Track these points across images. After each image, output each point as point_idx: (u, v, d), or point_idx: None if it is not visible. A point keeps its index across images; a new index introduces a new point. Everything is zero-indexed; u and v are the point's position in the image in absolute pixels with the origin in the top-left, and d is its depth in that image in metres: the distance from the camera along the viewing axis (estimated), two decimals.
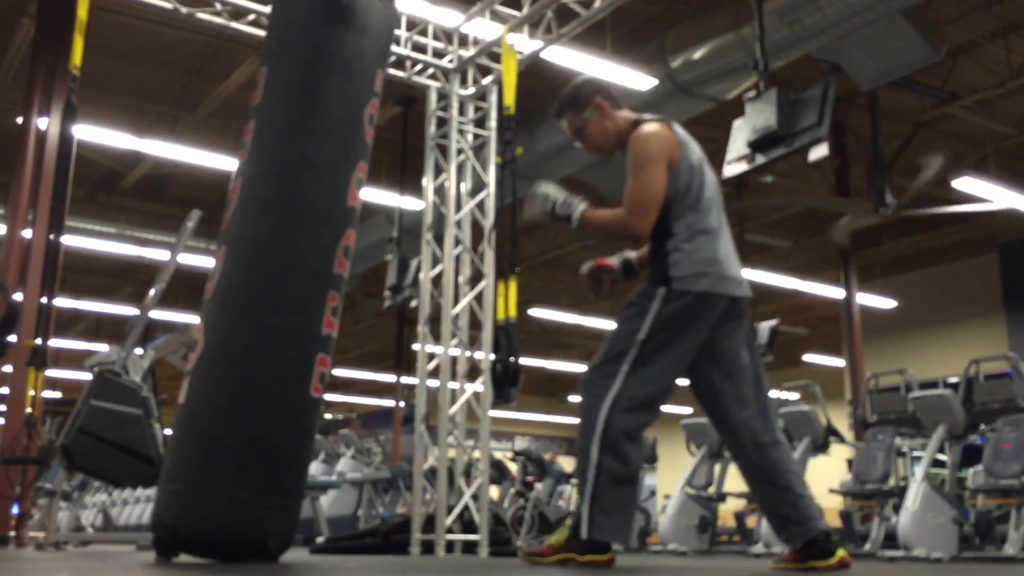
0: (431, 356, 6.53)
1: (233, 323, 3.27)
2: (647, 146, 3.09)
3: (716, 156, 9.81)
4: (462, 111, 6.90)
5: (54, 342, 12.09)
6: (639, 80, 8.35)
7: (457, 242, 6.57)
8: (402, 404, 16.68)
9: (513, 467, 11.40)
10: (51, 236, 5.44)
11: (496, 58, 6.66)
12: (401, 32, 6.75)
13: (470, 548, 5.98)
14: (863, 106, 10.58)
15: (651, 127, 3.15)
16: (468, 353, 6.43)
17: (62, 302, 12.82)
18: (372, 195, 10.77)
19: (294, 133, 3.42)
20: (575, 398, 23.53)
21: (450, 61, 6.91)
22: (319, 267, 3.37)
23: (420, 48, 6.85)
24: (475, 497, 6.12)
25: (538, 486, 10.97)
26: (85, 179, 12.55)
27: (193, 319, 4.17)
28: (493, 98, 6.76)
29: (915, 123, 11.70)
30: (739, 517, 8.70)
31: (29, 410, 5.58)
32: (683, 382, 3.20)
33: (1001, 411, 6.74)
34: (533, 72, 7.47)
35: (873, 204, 9.83)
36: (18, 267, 7.60)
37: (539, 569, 3.08)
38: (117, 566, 3.06)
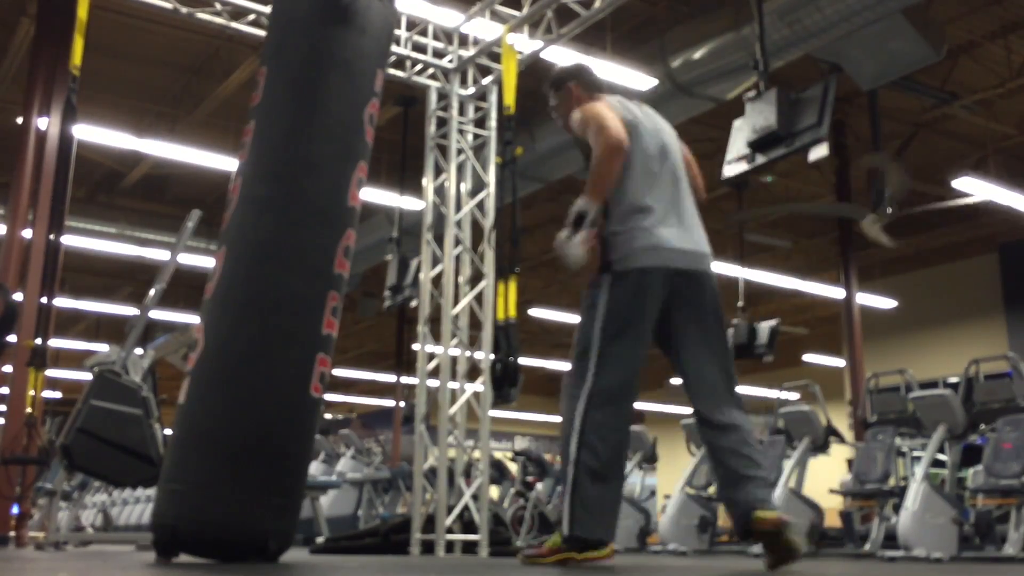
0: (431, 356, 6.53)
1: (233, 323, 3.28)
2: (591, 110, 3.25)
3: (716, 156, 9.85)
4: (462, 111, 6.90)
5: (54, 342, 12.09)
6: (639, 80, 8.35)
7: (457, 242, 6.57)
8: (402, 404, 16.67)
9: (513, 467, 11.39)
10: (51, 236, 5.44)
11: (496, 58, 6.66)
12: (401, 32, 6.75)
13: (470, 548, 5.97)
14: (863, 106, 10.58)
15: (595, 103, 3.32)
16: (468, 353, 6.43)
17: (62, 302, 12.83)
18: (372, 195, 10.77)
19: (294, 133, 3.42)
20: None
21: (450, 61, 6.91)
22: (319, 267, 3.37)
23: (420, 48, 6.85)
24: (475, 497, 6.12)
25: (538, 486, 10.96)
26: (85, 179, 12.55)
27: (193, 319, 4.17)
28: (493, 98, 6.76)
29: (915, 123, 11.70)
30: None
31: (29, 410, 5.58)
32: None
33: (1001, 411, 6.74)
34: (533, 72, 7.46)
35: (872, 205, 9.82)
36: (18, 267, 7.60)
37: (538, 570, 3.08)
38: (117, 566, 3.06)
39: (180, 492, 3.17)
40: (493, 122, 6.72)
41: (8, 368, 7.40)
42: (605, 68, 8.07)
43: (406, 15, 6.72)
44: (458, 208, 6.65)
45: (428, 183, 6.77)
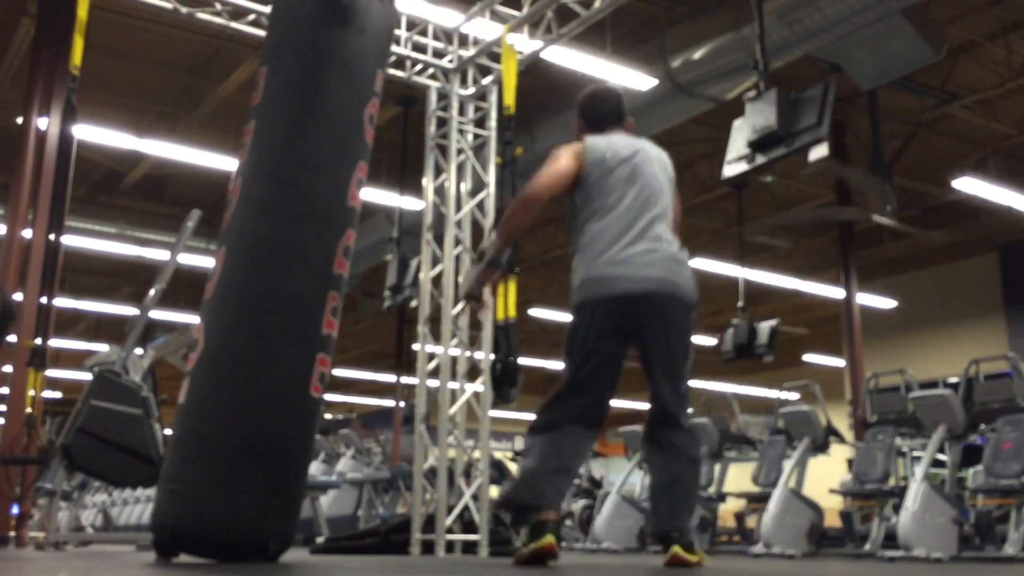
0: (431, 356, 6.53)
1: (233, 323, 3.27)
2: (553, 154, 3.41)
3: (716, 156, 9.84)
4: (462, 111, 6.90)
5: (54, 342, 12.09)
6: (639, 80, 8.35)
7: (457, 242, 6.57)
8: (402, 404, 16.68)
9: (513, 467, 11.39)
10: (51, 236, 5.44)
11: (496, 58, 6.66)
12: (401, 32, 6.74)
13: (470, 548, 5.97)
14: (863, 106, 10.58)
15: (567, 147, 3.45)
16: (468, 353, 6.43)
17: (62, 302, 12.82)
18: (372, 195, 10.77)
19: (294, 133, 3.42)
20: None
21: (450, 61, 6.91)
22: (319, 267, 3.37)
23: (420, 48, 6.84)
24: (475, 497, 6.12)
25: None
26: (85, 179, 12.55)
27: (193, 319, 4.17)
28: (493, 98, 6.76)
29: (915, 123, 11.70)
30: (739, 517, 8.70)
31: (29, 410, 5.58)
32: None
33: (1001, 411, 6.74)
34: (533, 72, 7.48)
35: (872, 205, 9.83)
36: (18, 267, 7.60)
37: (538, 569, 3.08)
38: (117, 566, 3.06)
39: (180, 492, 3.17)
40: (493, 122, 6.72)
41: (8, 368, 7.40)
42: (605, 68, 8.08)
43: (406, 15, 6.72)
44: (458, 208, 6.65)
45: (428, 183, 6.77)
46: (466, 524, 6.06)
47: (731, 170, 5.91)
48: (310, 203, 3.38)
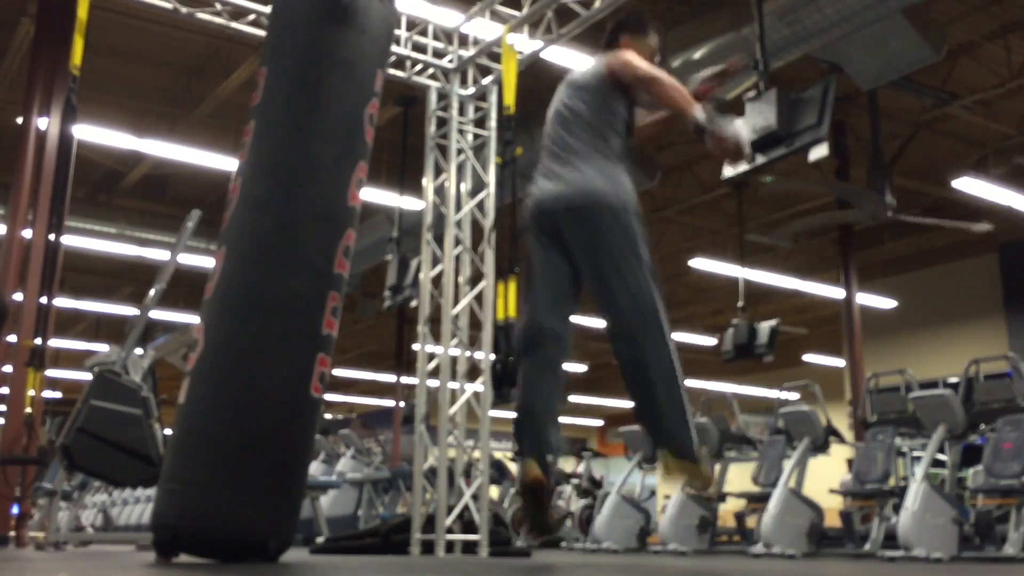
0: (431, 356, 6.53)
1: (233, 323, 3.28)
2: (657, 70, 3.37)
3: None
4: (462, 111, 6.90)
5: (54, 342, 12.09)
6: None
7: (457, 242, 6.57)
8: (402, 404, 16.67)
9: (513, 467, 11.39)
10: (51, 236, 5.44)
11: (496, 58, 6.66)
12: (401, 32, 6.75)
13: (470, 548, 5.97)
14: (863, 106, 10.57)
15: None
16: (468, 353, 6.43)
17: (62, 302, 12.82)
18: (372, 195, 10.76)
19: (294, 133, 3.42)
20: (574, 398, 23.52)
21: (450, 61, 6.91)
22: (319, 267, 3.37)
23: (420, 48, 6.85)
24: (475, 497, 6.12)
25: None
26: (85, 179, 12.55)
27: (193, 319, 4.17)
28: (493, 98, 6.76)
29: (915, 123, 11.70)
30: (739, 517, 8.70)
31: (29, 410, 5.58)
32: None
33: (1001, 411, 6.73)
34: (533, 72, 7.47)
35: (880, 201, 9.81)
36: (18, 267, 7.60)
37: (538, 569, 3.08)
38: (117, 566, 3.06)
39: (180, 492, 3.17)
40: (493, 122, 6.72)
41: (8, 368, 7.40)
42: None
43: (406, 15, 6.72)
44: (458, 208, 6.65)
45: (428, 183, 6.77)
46: (466, 524, 6.06)
47: (731, 170, 5.91)
48: (310, 203, 3.39)
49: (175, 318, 13.21)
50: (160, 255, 11.75)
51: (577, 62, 7.88)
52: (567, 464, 11.91)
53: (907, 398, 7.40)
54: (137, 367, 5.49)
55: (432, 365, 6.50)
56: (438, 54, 6.90)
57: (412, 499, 6.35)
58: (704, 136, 3.08)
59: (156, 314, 6.11)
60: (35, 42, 8.65)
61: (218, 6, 6.30)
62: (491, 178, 6.59)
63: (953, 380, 7.74)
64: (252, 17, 6.36)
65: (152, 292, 5.71)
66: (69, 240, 11.25)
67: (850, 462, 9.60)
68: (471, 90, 6.92)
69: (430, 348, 6.54)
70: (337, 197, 3.46)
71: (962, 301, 14.98)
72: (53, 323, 5.68)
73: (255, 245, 3.34)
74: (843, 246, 13.40)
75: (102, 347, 10.32)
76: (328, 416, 20.98)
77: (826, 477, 8.92)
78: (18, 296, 7.32)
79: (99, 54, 9.46)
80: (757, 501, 7.95)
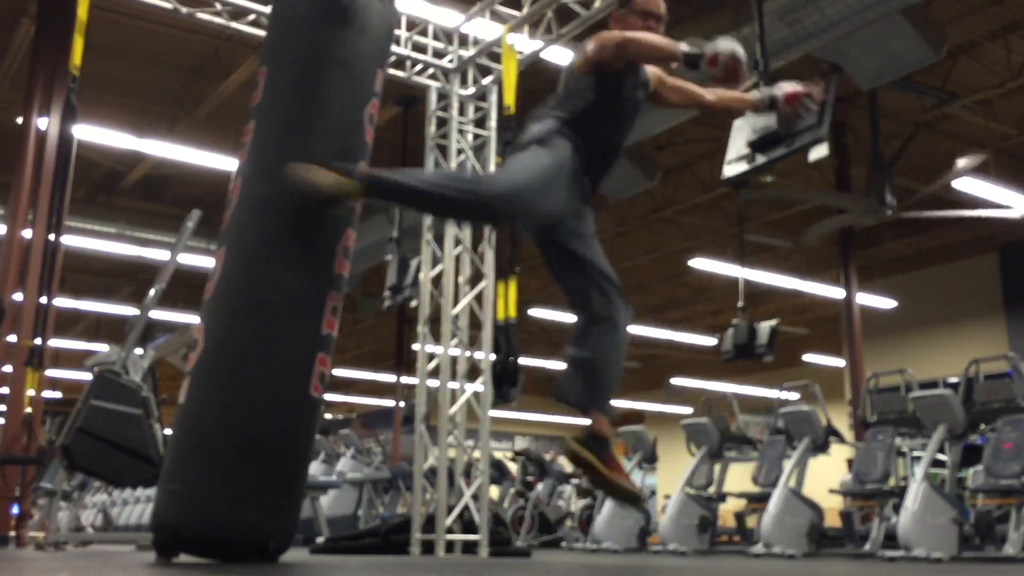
0: (431, 356, 6.53)
1: (233, 323, 3.27)
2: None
3: (716, 156, 9.83)
4: (462, 111, 6.90)
5: (54, 342, 12.09)
6: None
7: (457, 242, 6.57)
8: (402, 404, 16.68)
9: (513, 467, 11.40)
10: (50, 236, 5.44)
11: (496, 58, 6.66)
12: (401, 32, 6.75)
13: (470, 548, 5.97)
14: (863, 106, 10.57)
15: None
16: (468, 353, 6.43)
17: (62, 302, 12.82)
18: None
19: (293, 133, 3.41)
20: None
21: (450, 61, 6.91)
22: (319, 267, 3.37)
23: (420, 48, 6.85)
24: (475, 497, 6.12)
25: (538, 486, 10.97)
26: (85, 179, 12.55)
27: (193, 319, 4.17)
28: (493, 98, 6.76)
29: (915, 123, 11.69)
30: (739, 517, 8.71)
31: (29, 410, 5.58)
32: None
33: (1001, 411, 6.74)
34: (533, 72, 7.47)
35: (873, 204, 9.83)
36: (18, 267, 7.60)
37: (540, 569, 3.08)
38: (117, 566, 3.06)
39: (179, 492, 3.17)
40: (493, 122, 6.73)
41: (8, 368, 7.40)
42: None
43: (406, 15, 6.72)
44: None
45: None
46: (466, 524, 6.06)
47: (731, 170, 5.91)
48: (308, 206, 3.38)
49: (175, 318, 13.21)
50: (160, 255, 11.75)
51: None
52: (567, 464, 11.90)
53: (907, 398, 7.40)
54: (137, 367, 5.49)
55: (432, 365, 6.50)
56: (438, 54, 6.90)
57: (412, 499, 6.35)
58: (700, 66, 3.06)
59: (156, 314, 6.12)
60: (35, 42, 8.66)
61: (218, 6, 6.30)
62: None
63: (953, 380, 7.74)
64: (252, 17, 6.36)
65: (152, 292, 5.71)
66: (69, 240, 11.25)
67: (850, 462, 9.60)
68: (471, 90, 6.92)
69: (430, 348, 6.54)
70: None
71: (962, 301, 14.98)
72: (53, 323, 5.67)
73: (255, 245, 3.33)
74: (843, 246, 13.40)
75: (102, 347, 10.33)
76: (328, 416, 20.98)
77: (826, 477, 8.92)
78: (18, 296, 7.33)
79: (99, 54, 9.46)
80: (757, 501, 7.96)
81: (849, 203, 10.86)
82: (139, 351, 5.69)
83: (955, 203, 11.98)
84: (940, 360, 13.29)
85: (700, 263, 13.48)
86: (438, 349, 6.53)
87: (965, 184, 10.54)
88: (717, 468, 9.01)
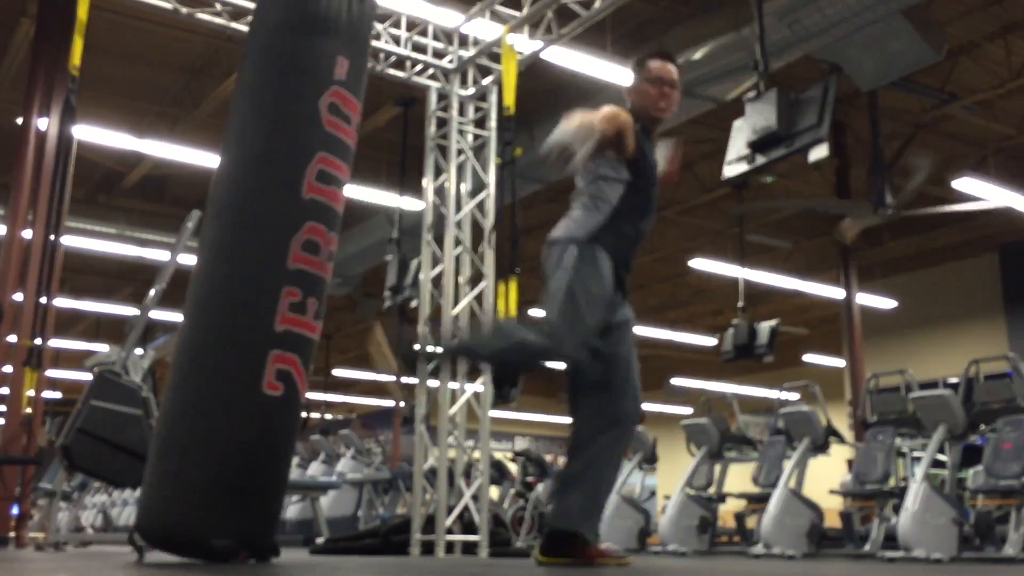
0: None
1: (189, 326, 3.41)
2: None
3: (716, 156, 9.84)
4: (462, 111, 6.90)
5: (54, 342, 12.09)
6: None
7: (457, 242, 6.57)
8: (402, 404, 16.67)
9: (513, 467, 11.38)
10: (49, 236, 5.44)
11: (496, 58, 6.66)
12: (401, 32, 6.75)
13: (470, 549, 5.97)
14: (863, 106, 10.57)
15: None
16: None
17: (62, 302, 12.81)
18: (372, 195, 10.77)
19: (243, 134, 3.52)
20: None
21: (450, 61, 6.90)
22: (268, 265, 3.37)
23: (420, 48, 6.84)
24: (475, 498, 6.12)
25: (538, 487, 10.96)
26: (85, 179, 12.54)
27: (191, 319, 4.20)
28: (493, 98, 6.76)
29: (915, 123, 11.69)
30: (739, 517, 8.70)
31: (29, 410, 5.58)
32: None
33: (1001, 411, 6.73)
34: (533, 72, 7.47)
35: (873, 204, 9.83)
36: (18, 267, 7.60)
37: (540, 569, 3.08)
38: (117, 566, 3.06)
39: (143, 494, 3.33)
40: (493, 122, 6.72)
41: (8, 368, 7.40)
42: (605, 68, 8.07)
43: (406, 15, 6.73)
44: (458, 208, 6.65)
45: (428, 183, 6.77)
46: (466, 525, 6.05)
47: (731, 170, 5.91)
48: (258, 201, 3.44)
49: (175, 318, 13.18)
50: (160, 255, 11.74)
51: (577, 62, 7.89)
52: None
53: (907, 398, 7.40)
54: (137, 367, 5.49)
55: (432, 365, 6.48)
56: (438, 54, 6.90)
57: (412, 500, 6.35)
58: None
59: (156, 314, 6.12)
60: (35, 42, 8.66)
61: (218, 6, 6.30)
62: (491, 178, 6.59)
63: (953, 380, 7.74)
64: (252, 17, 6.36)
65: (152, 292, 5.71)
66: (69, 240, 11.25)
67: (850, 462, 9.59)
68: (471, 90, 6.92)
69: (430, 348, 6.52)
70: (288, 192, 3.43)
71: (962, 301, 14.97)
72: (53, 323, 5.67)
73: (209, 250, 3.46)
74: (843, 246, 13.39)
75: (102, 347, 10.32)
76: (328, 416, 20.97)
77: (826, 477, 8.92)
78: (18, 296, 7.33)
79: (99, 54, 9.45)
80: (757, 501, 7.95)
81: (846, 209, 10.87)
82: (139, 351, 5.70)
83: (956, 203, 11.98)
84: (940, 360, 13.28)
85: (700, 263, 13.47)
86: (438, 349, 6.52)
87: (965, 184, 10.53)
88: (717, 468, 9.01)
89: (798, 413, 8.07)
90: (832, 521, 8.20)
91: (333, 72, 3.56)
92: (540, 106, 9.38)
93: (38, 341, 5.43)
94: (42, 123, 8.04)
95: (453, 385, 6.40)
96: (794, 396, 10.96)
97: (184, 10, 6.22)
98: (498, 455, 12.40)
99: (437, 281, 6.57)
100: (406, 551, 5.96)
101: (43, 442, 5.99)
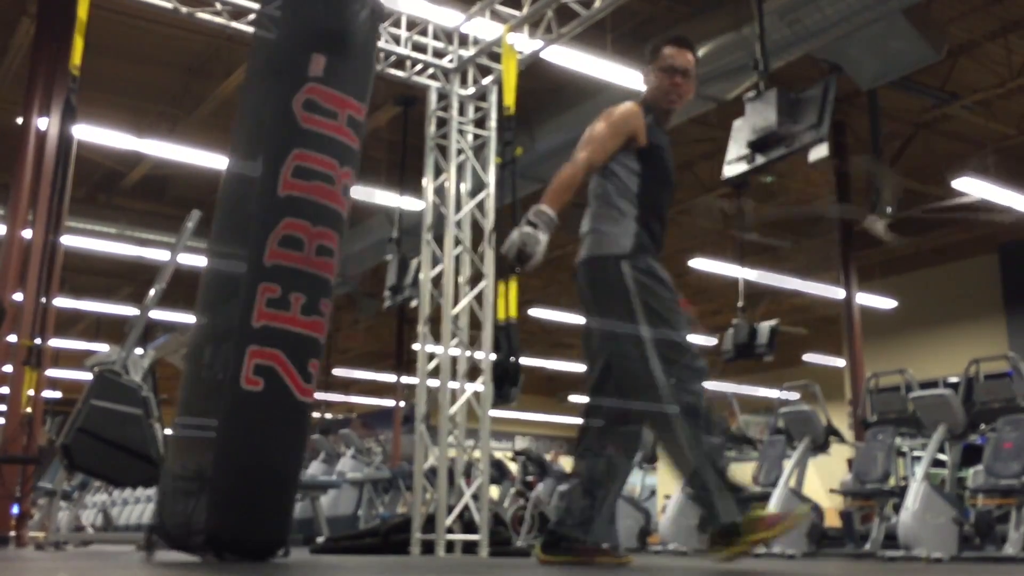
0: (431, 356, 6.53)
1: (196, 323, 3.56)
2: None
3: (716, 156, 9.85)
4: (462, 111, 6.90)
5: (54, 342, 12.08)
6: (639, 80, 8.33)
7: (457, 242, 6.57)
8: (402, 404, 16.67)
9: (513, 467, 11.39)
10: (49, 236, 5.44)
11: (496, 58, 6.66)
12: (401, 32, 6.75)
13: (470, 548, 5.97)
14: (863, 106, 10.57)
15: None
16: (468, 353, 6.43)
17: (62, 302, 12.81)
18: (372, 195, 10.77)
19: (234, 140, 3.71)
20: (575, 398, 23.52)
21: (450, 61, 6.91)
22: (245, 262, 3.43)
23: (420, 48, 6.85)
24: (475, 497, 6.12)
25: (538, 486, 10.96)
26: (85, 179, 12.54)
27: (193, 319, 4.20)
28: (493, 98, 6.76)
29: (915, 123, 11.70)
30: None
31: (29, 410, 5.58)
32: None
33: (1001, 411, 6.73)
34: (533, 72, 7.47)
35: (872, 205, 9.82)
36: (18, 267, 7.60)
37: (540, 568, 3.08)
38: (117, 566, 3.06)
39: (158, 493, 3.54)
40: (493, 122, 6.72)
41: (8, 368, 7.40)
42: (605, 68, 8.07)
43: (406, 15, 6.73)
44: (458, 208, 6.65)
45: (428, 183, 6.77)
46: (466, 524, 6.06)
47: (731, 170, 5.90)
48: (233, 203, 3.57)
49: (175, 318, 13.20)
50: (160, 255, 11.74)
51: (577, 62, 7.89)
52: (568, 464, 11.88)
53: (907, 398, 7.40)
54: (137, 367, 5.49)
55: (432, 365, 6.50)
56: (438, 54, 6.90)
57: (412, 499, 6.35)
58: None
59: (156, 314, 6.12)
60: (35, 42, 8.65)
61: (218, 6, 6.30)
62: (491, 178, 6.59)
63: (953, 380, 7.74)
64: (252, 17, 6.36)
65: (152, 292, 5.71)
66: (69, 240, 11.24)
67: (850, 462, 9.59)
68: (471, 90, 6.92)
69: (430, 348, 6.54)
70: (263, 191, 3.46)
71: (962, 301, 14.97)
72: (53, 323, 5.68)
73: (207, 249, 3.64)
74: (843, 246, 13.39)
75: (102, 347, 10.31)
76: (328, 416, 20.96)
77: (826, 477, 8.92)
78: (18, 296, 7.32)
79: (99, 54, 9.45)
80: (757, 501, 7.94)
81: (845, 214, 10.86)
82: (139, 351, 5.69)
83: (956, 204, 11.99)
84: (940, 360, 13.28)
85: (700, 263, 13.47)
86: (438, 349, 6.53)
87: (965, 184, 10.53)
88: None
89: (798, 413, 8.07)
90: (832, 521, 8.20)
91: (308, 69, 3.56)
92: (540, 106, 9.38)
93: (38, 341, 5.44)
94: (42, 123, 8.04)
95: (453, 384, 6.41)
96: (794, 396, 10.96)
97: (184, 9, 6.23)
98: (498, 454, 12.40)
99: (437, 281, 6.57)
100: (406, 550, 5.96)
101: (43, 441, 5.98)
